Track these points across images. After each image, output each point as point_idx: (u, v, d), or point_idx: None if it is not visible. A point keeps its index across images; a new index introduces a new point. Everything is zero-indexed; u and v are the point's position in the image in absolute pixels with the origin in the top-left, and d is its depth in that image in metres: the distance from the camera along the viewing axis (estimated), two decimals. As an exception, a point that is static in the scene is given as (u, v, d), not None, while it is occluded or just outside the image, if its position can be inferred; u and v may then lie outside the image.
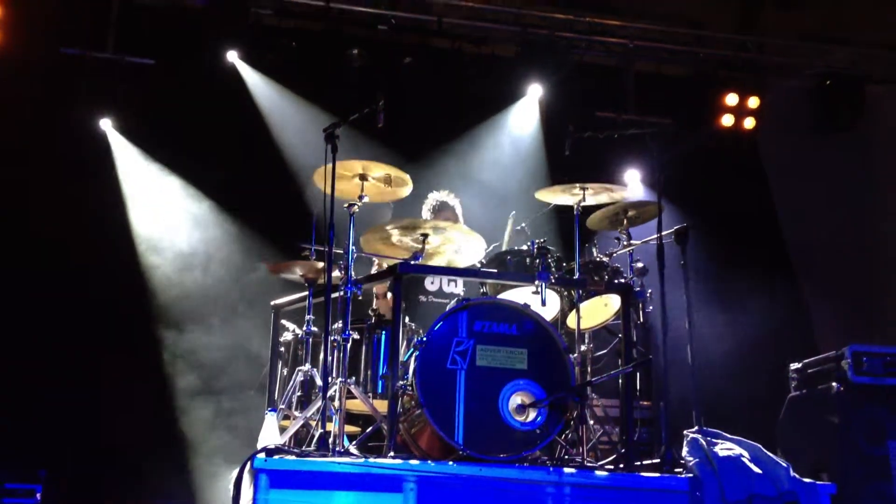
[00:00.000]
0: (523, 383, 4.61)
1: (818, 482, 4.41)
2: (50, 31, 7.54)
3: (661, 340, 4.86)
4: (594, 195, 5.33)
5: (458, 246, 5.11)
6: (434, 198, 6.21)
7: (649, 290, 5.46)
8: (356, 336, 5.04)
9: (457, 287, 5.78)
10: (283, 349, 5.60)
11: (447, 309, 4.79)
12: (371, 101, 5.12)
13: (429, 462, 4.25)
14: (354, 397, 4.86)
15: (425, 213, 6.16)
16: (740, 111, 8.59)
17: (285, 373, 5.52)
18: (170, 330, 7.46)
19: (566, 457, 4.75)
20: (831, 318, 8.32)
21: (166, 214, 7.59)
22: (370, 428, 4.85)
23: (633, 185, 7.73)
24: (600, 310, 5.49)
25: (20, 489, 5.94)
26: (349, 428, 5.27)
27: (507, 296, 5.07)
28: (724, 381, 7.25)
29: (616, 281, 5.32)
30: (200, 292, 7.42)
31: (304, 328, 5.27)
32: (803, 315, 8.41)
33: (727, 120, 8.59)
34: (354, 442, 4.73)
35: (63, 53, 7.45)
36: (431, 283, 5.80)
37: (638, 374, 5.43)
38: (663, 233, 5.07)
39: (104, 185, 7.54)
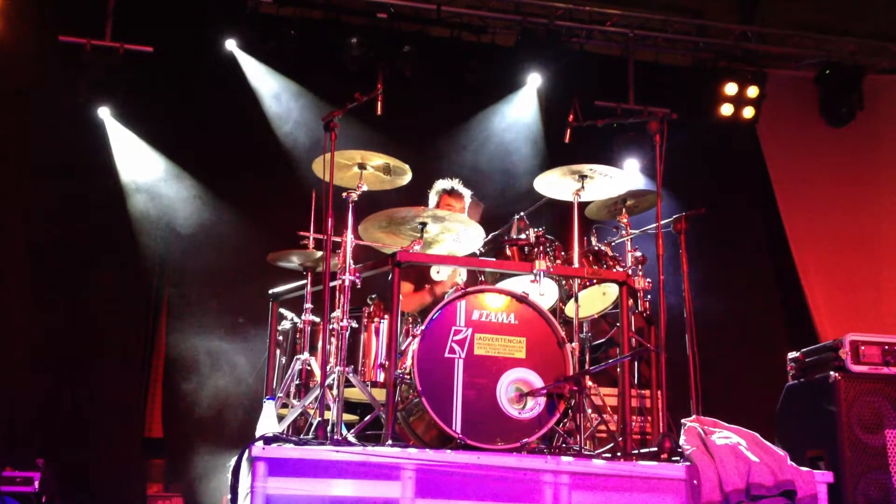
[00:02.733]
0: (521, 372, 4.61)
1: (815, 471, 4.41)
2: (48, 19, 7.52)
3: (659, 329, 4.87)
4: (592, 182, 5.30)
5: (457, 234, 5.10)
6: (446, 184, 6.13)
7: (648, 280, 5.46)
8: (355, 324, 5.03)
9: (460, 276, 5.76)
10: (281, 338, 5.60)
11: (445, 297, 4.79)
12: (370, 89, 5.12)
13: (427, 450, 4.25)
14: (353, 386, 4.87)
15: (433, 198, 6.12)
16: (740, 101, 8.59)
17: (283, 361, 5.52)
18: (168, 317, 7.47)
19: (564, 445, 4.75)
20: (832, 308, 8.33)
21: (164, 202, 7.58)
22: (368, 416, 4.85)
23: (632, 174, 7.72)
24: (598, 299, 5.49)
25: (18, 477, 5.94)
26: (347, 416, 5.27)
27: (505, 285, 5.06)
28: (723, 370, 7.26)
29: (615, 270, 5.31)
30: (199, 280, 7.42)
31: (303, 316, 5.27)
32: (803, 304, 8.41)
33: (726, 109, 8.58)
34: (353, 430, 4.74)
35: (61, 41, 7.42)
36: (437, 273, 5.78)
37: (636, 362, 5.42)
38: (662, 222, 5.06)
39: (102, 174, 7.53)
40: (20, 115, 7.29)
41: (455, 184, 6.12)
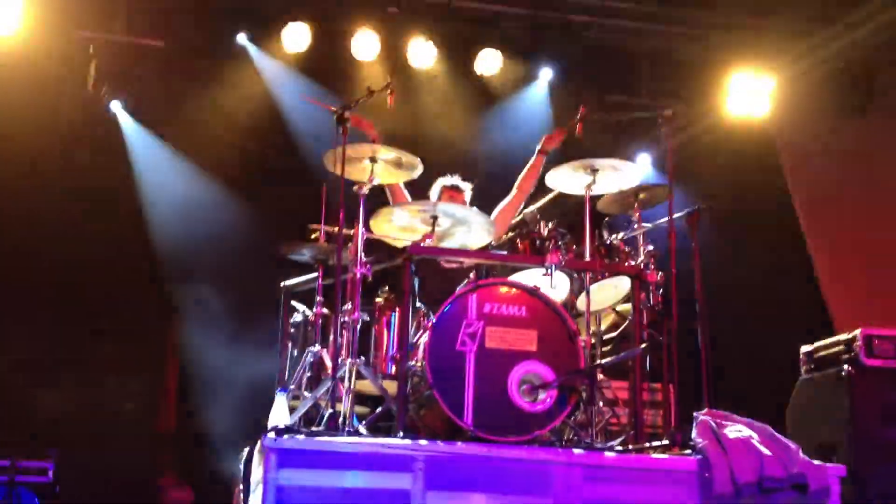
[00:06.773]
0: (533, 365, 4.60)
1: (828, 464, 4.40)
2: (62, 13, 7.54)
3: (671, 323, 4.86)
4: (604, 174, 5.29)
5: (469, 228, 5.09)
6: (447, 180, 6.17)
7: (661, 273, 5.46)
8: (366, 317, 5.04)
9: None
10: (293, 330, 5.62)
11: (457, 291, 4.79)
12: (381, 83, 5.13)
13: (438, 442, 4.25)
14: (364, 378, 4.88)
15: (433, 197, 6.14)
16: (753, 94, 8.52)
17: (295, 353, 5.54)
18: (180, 311, 7.50)
19: (575, 438, 4.75)
20: (847, 301, 8.27)
21: (177, 196, 7.61)
22: (380, 408, 4.86)
23: (644, 167, 7.70)
24: (610, 292, 5.48)
25: (33, 467, 5.99)
26: (359, 408, 5.28)
27: (517, 278, 5.06)
28: (735, 363, 7.23)
29: (627, 263, 5.30)
30: (211, 274, 7.45)
31: (314, 309, 5.29)
32: (818, 298, 8.37)
33: (740, 103, 8.52)
34: (364, 422, 4.75)
35: (76, 36, 7.45)
36: (448, 262, 5.76)
37: (648, 356, 5.40)
38: (675, 215, 5.04)
39: (115, 168, 7.56)
40: (33, 109, 7.32)
41: (455, 179, 6.15)
